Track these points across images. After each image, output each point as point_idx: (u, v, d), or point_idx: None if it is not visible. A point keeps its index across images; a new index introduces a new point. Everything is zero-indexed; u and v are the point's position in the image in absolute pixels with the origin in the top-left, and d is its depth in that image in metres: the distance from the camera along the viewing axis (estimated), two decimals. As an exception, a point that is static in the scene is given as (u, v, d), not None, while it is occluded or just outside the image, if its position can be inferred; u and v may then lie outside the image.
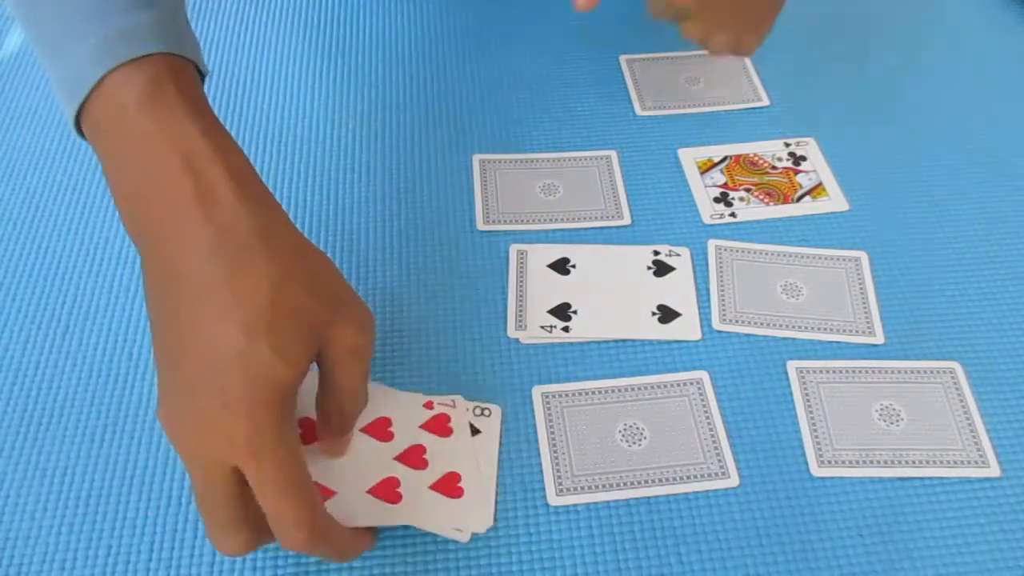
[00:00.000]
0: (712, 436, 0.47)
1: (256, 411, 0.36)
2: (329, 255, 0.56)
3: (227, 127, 0.57)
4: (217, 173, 0.38)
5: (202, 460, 0.37)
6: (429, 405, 0.47)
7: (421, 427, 0.46)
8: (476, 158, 0.61)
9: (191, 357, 0.37)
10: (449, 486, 0.44)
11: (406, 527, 0.44)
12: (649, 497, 0.45)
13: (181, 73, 0.40)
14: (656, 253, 0.55)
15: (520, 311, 0.53)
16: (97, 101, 0.39)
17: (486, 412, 0.48)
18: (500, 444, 0.47)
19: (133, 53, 0.39)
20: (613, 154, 0.61)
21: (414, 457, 0.45)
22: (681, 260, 0.55)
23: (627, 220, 0.58)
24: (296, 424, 0.39)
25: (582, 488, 0.46)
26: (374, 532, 0.43)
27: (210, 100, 0.63)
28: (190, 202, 0.37)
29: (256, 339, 0.36)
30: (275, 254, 0.38)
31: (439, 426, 0.46)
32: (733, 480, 0.46)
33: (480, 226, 0.57)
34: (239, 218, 0.37)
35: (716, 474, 0.46)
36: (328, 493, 0.43)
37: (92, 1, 0.40)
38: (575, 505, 0.45)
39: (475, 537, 0.44)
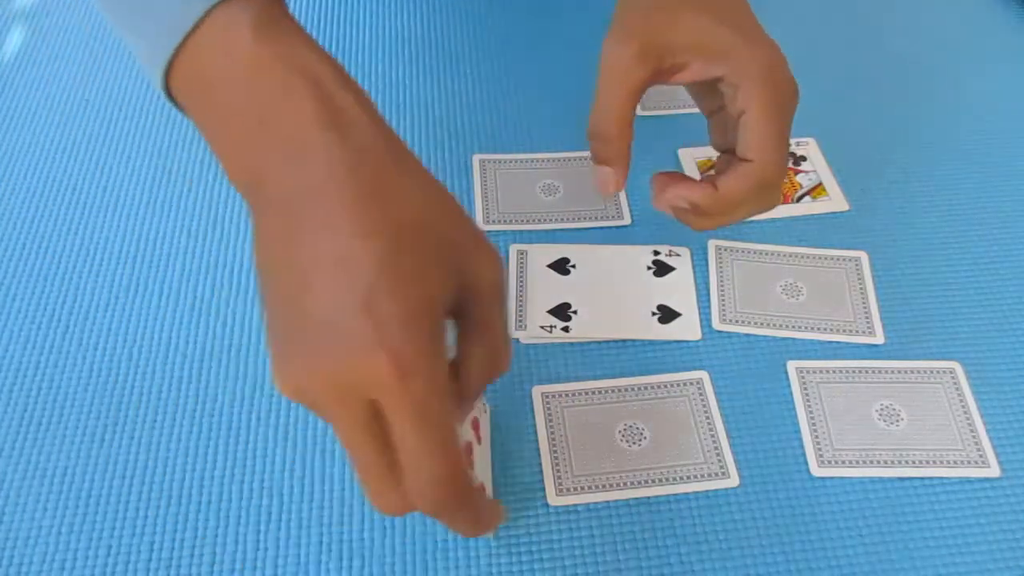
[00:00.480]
0: (712, 436, 0.47)
1: (408, 322, 0.32)
2: (329, 255, 0.56)
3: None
4: (348, 99, 0.35)
5: (347, 394, 0.32)
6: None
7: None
8: (476, 158, 0.61)
9: (325, 281, 0.33)
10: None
11: (405, 527, 0.44)
12: (649, 497, 0.45)
13: (280, 5, 0.37)
14: (656, 253, 0.55)
15: (520, 311, 0.53)
16: (201, 39, 0.36)
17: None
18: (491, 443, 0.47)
19: None
20: None
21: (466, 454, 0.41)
22: (681, 260, 0.55)
23: (627, 220, 0.58)
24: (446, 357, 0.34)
25: (582, 488, 0.46)
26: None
27: (210, 100, 0.62)
28: (323, 124, 0.34)
29: (403, 251, 0.33)
30: (416, 179, 0.36)
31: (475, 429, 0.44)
32: (733, 480, 0.46)
33: (480, 226, 0.57)
34: (377, 142, 0.35)
35: (716, 474, 0.46)
36: None
37: None
38: (575, 505, 0.45)
39: (475, 537, 0.44)
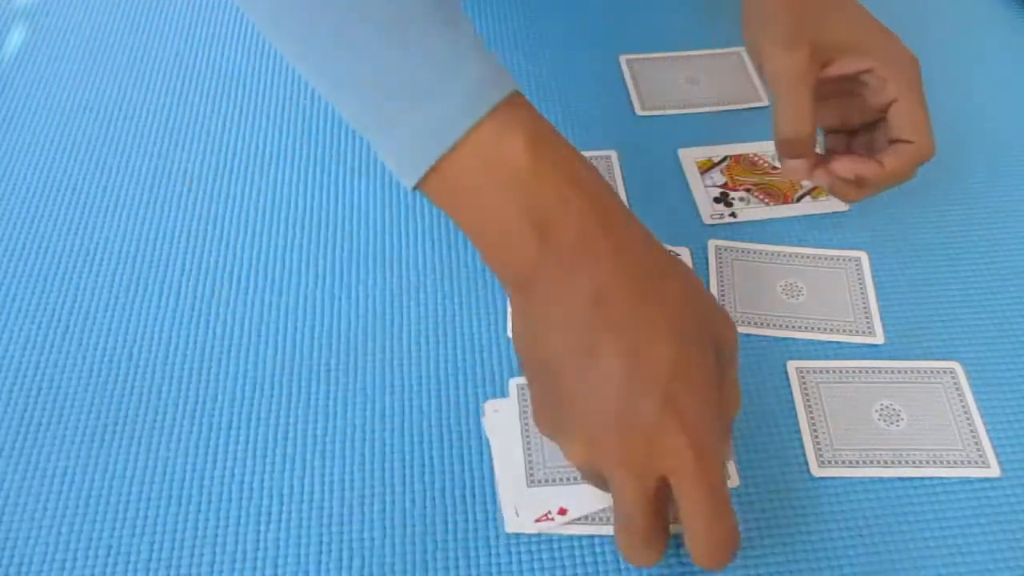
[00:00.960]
0: (712, 436, 0.47)
1: (702, 413, 0.37)
2: (330, 257, 0.56)
3: (227, 127, 0.58)
4: (614, 205, 0.40)
5: (644, 468, 0.37)
6: None
7: None
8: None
9: (626, 378, 0.37)
10: None
11: (405, 526, 0.44)
12: (649, 497, 0.45)
13: (531, 108, 0.41)
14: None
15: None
16: (470, 145, 0.39)
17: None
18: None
19: (499, 97, 0.40)
20: (613, 154, 0.61)
21: None
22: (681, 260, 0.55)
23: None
24: None
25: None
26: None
27: (210, 99, 0.63)
28: (602, 232, 0.39)
29: (688, 352, 0.38)
30: (677, 279, 0.40)
31: None
32: (734, 480, 0.46)
33: None
34: (646, 250, 0.40)
35: (716, 474, 0.46)
36: None
37: (443, 49, 0.40)
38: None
39: (475, 536, 0.44)
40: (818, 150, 0.53)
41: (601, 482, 0.40)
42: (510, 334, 0.41)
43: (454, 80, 0.39)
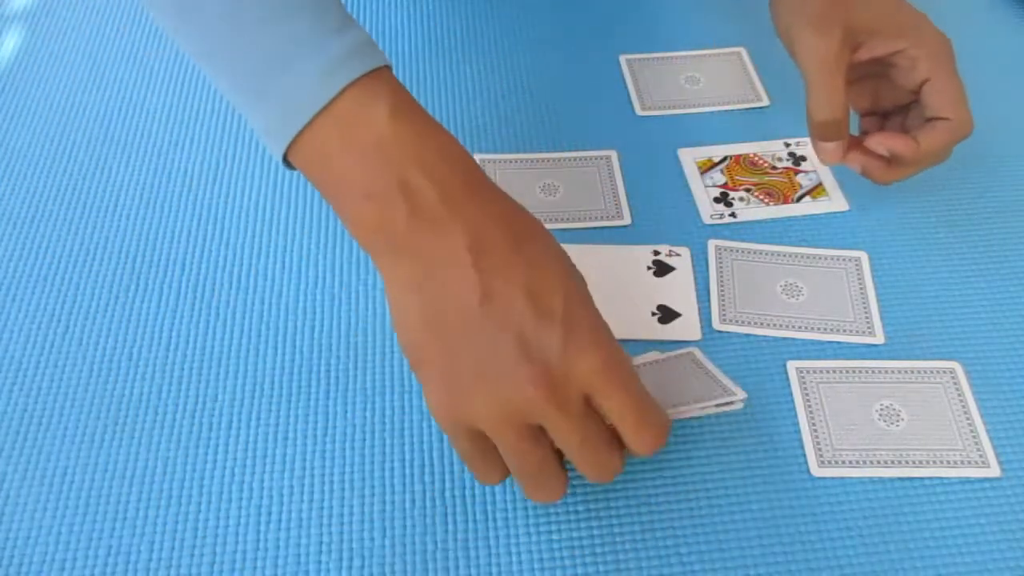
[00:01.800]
0: (712, 436, 0.48)
1: (604, 335, 0.40)
2: (330, 257, 0.56)
3: (227, 127, 0.57)
4: (476, 172, 0.42)
5: (568, 392, 0.38)
6: None
7: None
8: (476, 158, 0.61)
9: (523, 310, 0.38)
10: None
11: (405, 527, 0.44)
12: (649, 497, 0.45)
13: (395, 82, 0.42)
14: (656, 253, 0.55)
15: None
16: (332, 117, 0.41)
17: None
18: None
19: (361, 70, 0.41)
20: (613, 154, 0.61)
21: None
22: (681, 260, 0.55)
23: (627, 220, 0.58)
24: None
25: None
26: None
27: (210, 99, 0.63)
28: (465, 193, 0.40)
29: (581, 280, 0.41)
30: (548, 238, 0.42)
31: None
32: (742, 395, 0.45)
33: None
34: (511, 211, 0.42)
35: (716, 474, 0.46)
36: None
37: (304, 27, 0.41)
38: (575, 505, 0.45)
39: (475, 536, 0.44)
40: (853, 132, 0.54)
41: (520, 435, 0.39)
42: (393, 326, 0.41)
43: (315, 54, 0.40)
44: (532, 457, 0.39)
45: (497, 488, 0.46)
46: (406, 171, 0.40)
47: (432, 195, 0.40)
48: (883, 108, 0.56)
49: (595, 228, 0.57)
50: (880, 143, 0.53)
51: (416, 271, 0.40)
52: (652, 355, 0.49)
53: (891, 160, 0.53)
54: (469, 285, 0.39)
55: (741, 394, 0.44)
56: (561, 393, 0.38)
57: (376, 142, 0.40)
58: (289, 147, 0.41)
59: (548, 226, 0.56)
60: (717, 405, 0.44)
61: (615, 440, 0.40)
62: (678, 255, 0.55)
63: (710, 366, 0.47)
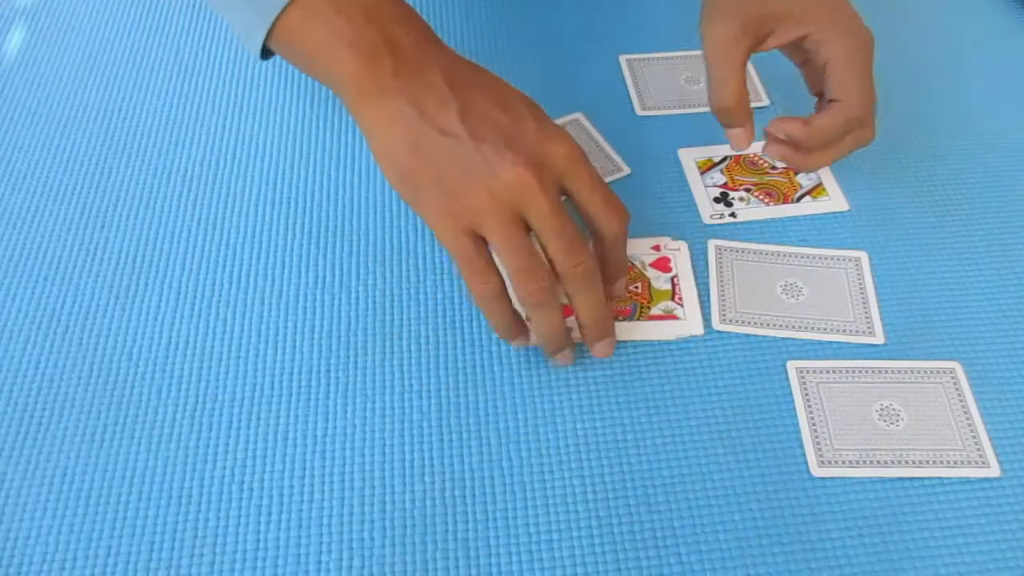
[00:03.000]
0: (712, 436, 0.48)
1: (567, 134, 0.46)
2: (330, 257, 0.56)
3: (227, 127, 0.57)
4: (432, 31, 0.49)
5: (546, 177, 0.44)
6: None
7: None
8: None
9: (499, 114, 0.45)
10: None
11: (405, 527, 0.44)
12: (649, 497, 0.45)
13: None
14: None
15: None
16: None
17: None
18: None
19: None
20: (581, 116, 0.62)
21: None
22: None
23: (627, 170, 0.59)
24: None
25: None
26: None
27: (210, 99, 0.63)
28: (436, 43, 0.48)
29: (525, 98, 0.48)
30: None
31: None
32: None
33: None
34: (455, 54, 0.48)
35: (716, 474, 0.46)
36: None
37: None
38: (575, 505, 0.45)
39: (475, 536, 0.44)
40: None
41: (513, 223, 0.44)
42: (376, 157, 0.47)
43: None
44: (524, 248, 0.44)
45: (497, 488, 0.46)
46: (389, 27, 0.47)
47: (411, 45, 0.47)
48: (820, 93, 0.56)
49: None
50: (777, 127, 0.54)
51: (402, 107, 0.45)
52: None
53: (794, 144, 0.54)
54: (449, 105, 0.45)
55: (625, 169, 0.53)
56: (543, 175, 0.44)
57: (361, 6, 0.47)
58: (275, 24, 0.48)
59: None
60: None
61: (585, 239, 0.46)
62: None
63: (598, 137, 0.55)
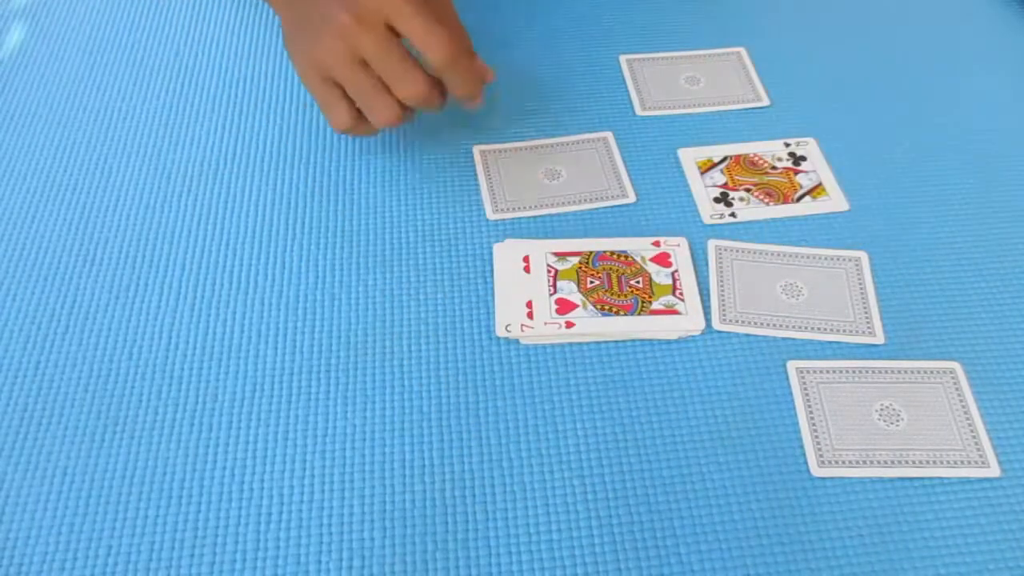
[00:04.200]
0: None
1: None
2: (330, 257, 0.56)
3: (227, 127, 0.56)
4: None
5: (372, 19, 0.51)
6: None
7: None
8: (477, 149, 0.62)
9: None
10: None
11: (405, 526, 0.44)
12: (649, 497, 0.46)
13: None
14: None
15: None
16: None
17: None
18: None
19: None
20: (609, 135, 0.62)
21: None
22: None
23: (632, 198, 0.58)
24: None
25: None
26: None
27: (210, 99, 0.63)
28: None
29: None
30: None
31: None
32: None
33: (489, 216, 0.58)
34: None
35: (716, 474, 0.46)
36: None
37: None
38: (575, 505, 0.45)
39: (475, 536, 0.44)
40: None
41: (352, 64, 0.52)
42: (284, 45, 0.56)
43: None
44: (365, 81, 0.52)
45: (497, 488, 0.46)
46: None
47: None
48: None
49: (602, 208, 0.58)
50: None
51: None
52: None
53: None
54: None
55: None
56: (367, 20, 0.51)
57: None
58: None
59: (554, 210, 0.58)
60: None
61: (417, 65, 0.52)
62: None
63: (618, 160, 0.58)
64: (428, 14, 0.51)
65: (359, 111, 0.54)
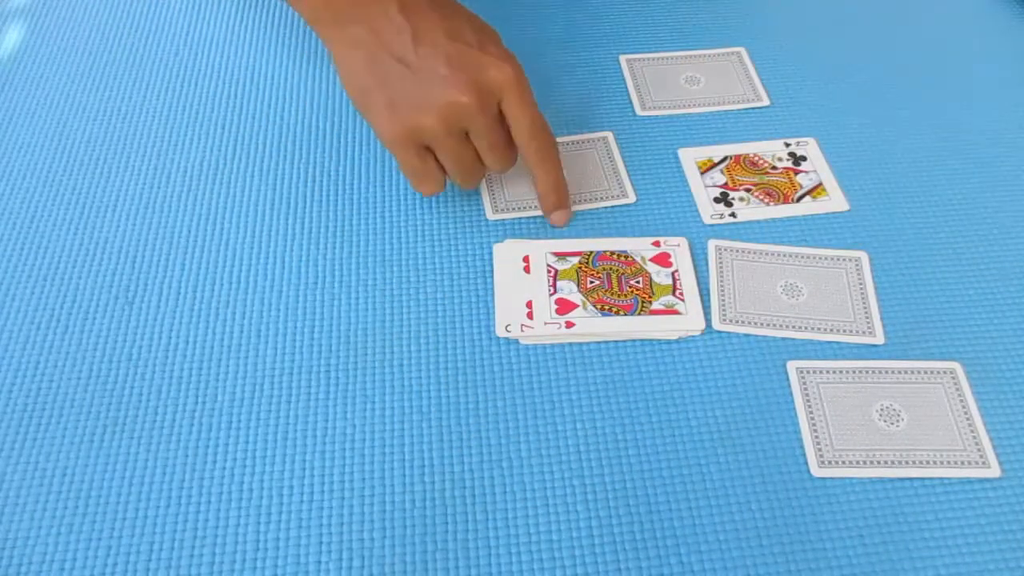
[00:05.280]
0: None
1: (512, 57, 0.52)
2: (330, 257, 0.56)
3: (227, 127, 0.57)
4: None
5: (486, 97, 0.50)
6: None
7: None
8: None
9: (445, 37, 0.51)
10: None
11: (405, 527, 0.44)
12: (649, 497, 0.45)
13: None
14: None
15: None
16: None
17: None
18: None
19: None
20: (610, 135, 0.62)
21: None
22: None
23: (632, 199, 0.58)
24: None
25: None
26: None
27: (210, 99, 0.63)
28: None
29: (484, 25, 0.54)
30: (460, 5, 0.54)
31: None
32: None
33: (489, 215, 0.58)
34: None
35: (716, 474, 0.46)
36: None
37: None
38: (575, 505, 0.45)
39: (475, 536, 0.44)
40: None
41: (457, 137, 0.51)
42: (339, 75, 0.53)
43: None
44: (467, 155, 0.53)
45: (497, 488, 0.46)
46: None
47: None
48: None
49: (601, 209, 0.58)
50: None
51: (359, 32, 0.51)
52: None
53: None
54: (402, 32, 0.51)
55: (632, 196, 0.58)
56: (484, 98, 0.50)
57: None
58: None
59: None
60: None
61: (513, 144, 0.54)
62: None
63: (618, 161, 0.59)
64: (534, 100, 0.52)
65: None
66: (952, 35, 0.71)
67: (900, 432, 0.48)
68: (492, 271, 0.55)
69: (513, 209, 0.58)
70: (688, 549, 0.44)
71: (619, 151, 0.61)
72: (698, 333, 0.52)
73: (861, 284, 0.54)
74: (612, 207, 0.58)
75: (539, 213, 0.58)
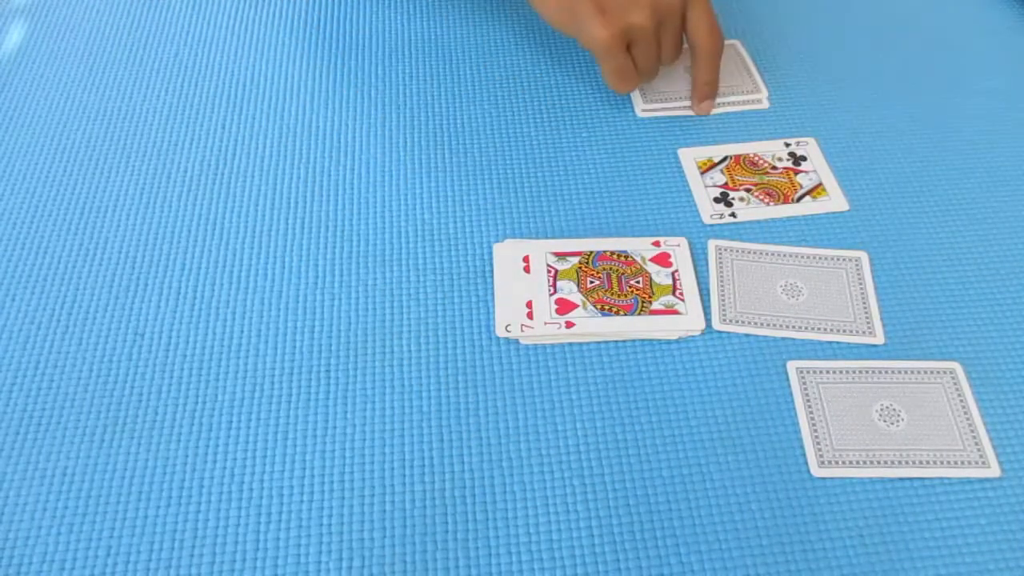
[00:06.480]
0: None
1: None
2: (330, 257, 0.56)
3: (227, 127, 0.57)
4: None
5: (679, 6, 0.58)
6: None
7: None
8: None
9: None
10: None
11: (405, 526, 0.44)
12: (649, 497, 0.45)
13: None
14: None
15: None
16: None
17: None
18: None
19: None
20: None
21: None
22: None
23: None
24: None
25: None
26: None
27: (210, 99, 0.63)
28: None
29: None
30: None
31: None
32: None
33: (639, 113, 0.59)
34: None
35: (716, 474, 0.46)
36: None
37: None
38: (575, 505, 0.45)
39: (475, 536, 0.44)
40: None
41: (654, 35, 0.58)
42: (540, 10, 0.59)
43: None
44: (655, 51, 0.59)
45: (497, 488, 0.46)
46: None
47: None
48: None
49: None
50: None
51: None
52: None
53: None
54: None
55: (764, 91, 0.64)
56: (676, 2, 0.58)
57: None
58: None
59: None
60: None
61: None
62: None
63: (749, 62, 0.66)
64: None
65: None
66: (953, 35, 0.71)
67: (900, 432, 0.48)
68: (492, 271, 0.55)
69: (662, 100, 0.64)
70: (688, 549, 0.44)
71: (748, 54, 0.67)
72: (698, 333, 0.52)
73: (861, 284, 0.54)
74: (612, 206, 0.58)
75: (683, 113, 0.64)
